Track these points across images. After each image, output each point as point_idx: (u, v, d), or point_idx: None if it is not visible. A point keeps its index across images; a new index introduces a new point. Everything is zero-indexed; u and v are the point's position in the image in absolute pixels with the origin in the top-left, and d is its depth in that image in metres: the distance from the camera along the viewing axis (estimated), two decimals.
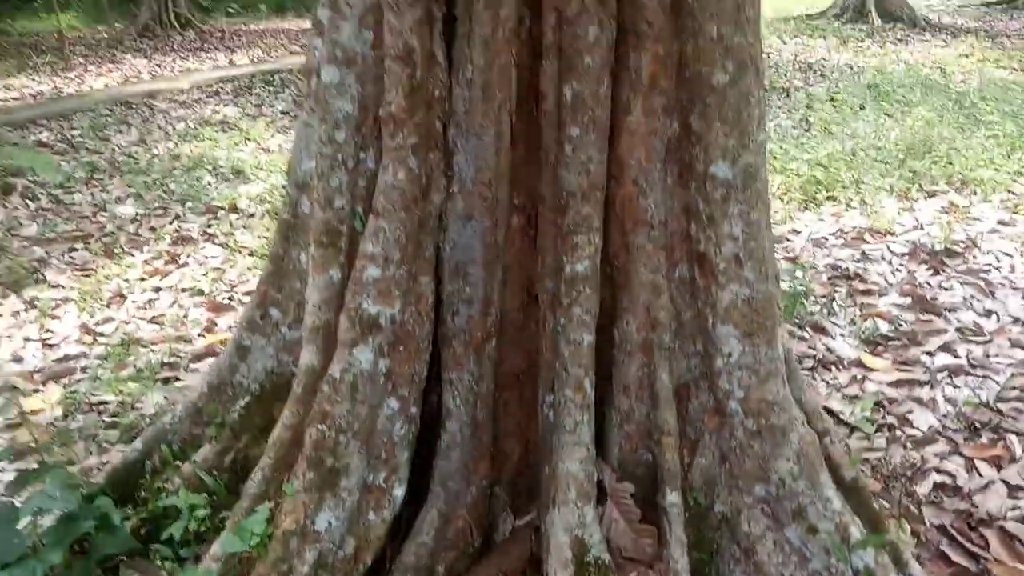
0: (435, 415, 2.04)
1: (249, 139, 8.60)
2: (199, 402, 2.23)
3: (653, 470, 1.97)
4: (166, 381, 3.68)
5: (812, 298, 4.37)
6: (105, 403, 3.52)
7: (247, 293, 4.70)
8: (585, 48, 1.76)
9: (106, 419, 3.37)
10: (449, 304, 1.95)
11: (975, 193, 6.14)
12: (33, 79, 12.59)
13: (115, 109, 10.31)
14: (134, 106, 10.53)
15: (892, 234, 5.45)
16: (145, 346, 4.08)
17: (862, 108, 8.97)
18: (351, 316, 1.81)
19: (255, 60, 14.30)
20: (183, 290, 4.77)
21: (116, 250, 5.41)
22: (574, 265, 1.88)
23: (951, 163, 6.68)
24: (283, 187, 2.18)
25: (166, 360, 3.89)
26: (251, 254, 5.27)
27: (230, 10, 22.64)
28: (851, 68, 11.77)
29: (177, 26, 17.61)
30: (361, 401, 1.82)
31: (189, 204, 6.39)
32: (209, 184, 6.97)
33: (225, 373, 2.20)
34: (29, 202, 6.49)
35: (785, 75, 11.29)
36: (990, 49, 12.86)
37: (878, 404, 3.39)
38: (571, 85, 1.81)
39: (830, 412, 3.32)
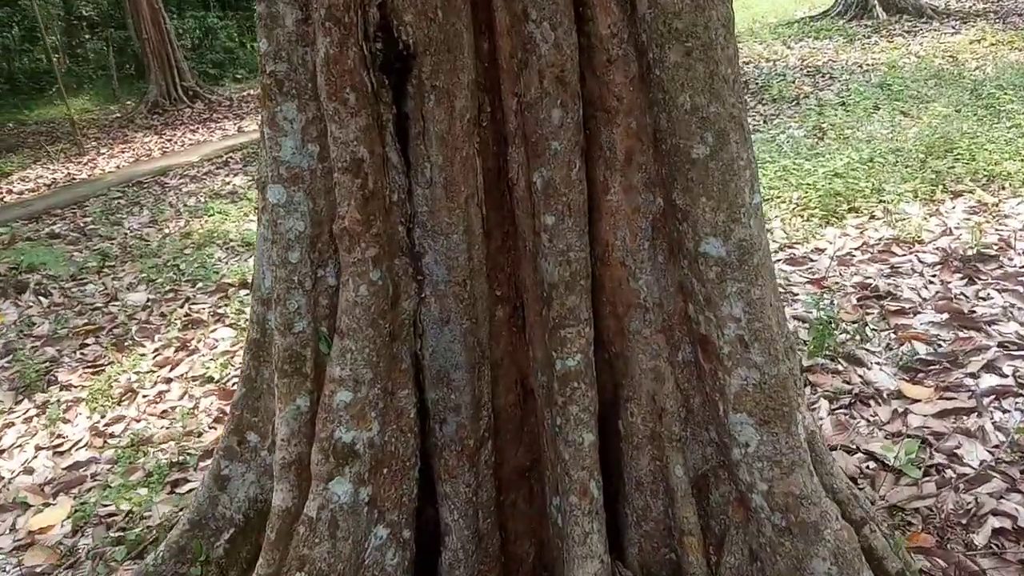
0: (432, 533, 1.88)
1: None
2: (181, 539, 2.09)
3: (678, 571, 1.78)
4: (175, 484, 3.56)
5: (843, 325, 4.16)
6: (114, 514, 3.41)
7: None
8: (550, 132, 1.62)
9: (114, 534, 3.26)
10: (435, 414, 1.80)
11: (1003, 188, 5.87)
12: (47, 168, 12.80)
13: (127, 190, 10.42)
14: (145, 185, 10.63)
15: (920, 243, 5.21)
16: (155, 446, 3.98)
17: (876, 109, 8.72)
18: (323, 447, 1.66)
19: None
20: (193, 378, 4.67)
21: (127, 342, 5.36)
22: (565, 360, 1.72)
23: (974, 159, 6.41)
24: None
25: (176, 459, 3.78)
26: None
27: (238, 76, 23.00)
28: (860, 67, 11.54)
29: (186, 99, 17.83)
30: (343, 538, 1.67)
31: (200, 284, 6.34)
32: (219, 260, 6.93)
33: (205, 506, 2.07)
34: (42, 298, 6.49)
35: (793, 82, 11.10)
36: (1002, 32, 12.54)
37: (923, 441, 3.16)
38: (540, 172, 1.66)
39: (872, 456, 3.10)
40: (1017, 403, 3.37)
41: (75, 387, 4.79)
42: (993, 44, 11.78)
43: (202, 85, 19.12)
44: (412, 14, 1.57)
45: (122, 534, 3.21)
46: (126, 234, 8.33)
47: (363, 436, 1.67)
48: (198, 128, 15.23)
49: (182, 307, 5.90)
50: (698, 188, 1.59)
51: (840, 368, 3.82)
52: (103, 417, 4.38)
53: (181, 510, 3.25)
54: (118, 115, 18.03)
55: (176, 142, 13.97)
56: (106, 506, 3.49)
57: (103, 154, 13.52)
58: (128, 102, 19.42)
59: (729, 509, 1.77)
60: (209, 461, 3.75)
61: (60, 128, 16.89)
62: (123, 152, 13.52)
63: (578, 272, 1.70)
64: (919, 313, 4.31)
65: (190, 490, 3.46)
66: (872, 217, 5.77)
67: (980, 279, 4.59)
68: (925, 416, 3.38)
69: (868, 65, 11.67)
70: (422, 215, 1.71)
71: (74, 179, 11.70)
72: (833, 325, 4.07)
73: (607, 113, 1.66)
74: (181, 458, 3.80)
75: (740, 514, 1.75)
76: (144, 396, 4.59)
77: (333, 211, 1.66)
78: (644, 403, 1.77)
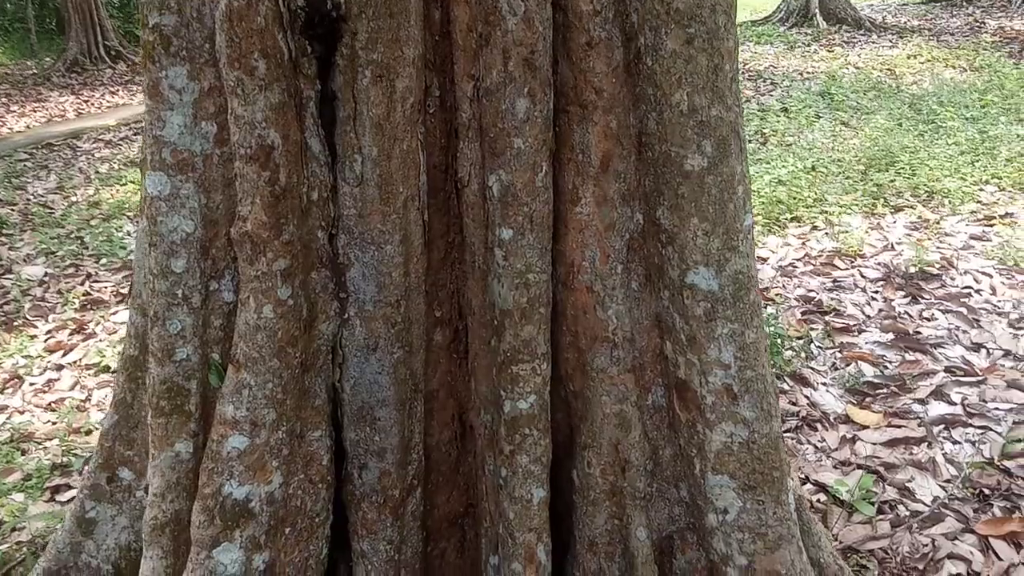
0: None
1: None
2: None
3: None
4: (56, 490, 3.16)
5: (787, 341, 4.00)
6: None
7: None
8: (512, 127, 1.32)
9: None
10: (354, 457, 1.49)
11: (943, 205, 5.89)
12: None
13: (36, 152, 9.71)
14: (56, 148, 9.94)
15: (862, 256, 5.15)
16: (39, 442, 3.54)
17: (817, 118, 8.72)
18: (208, 505, 1.32)
19: None
20: (87, 367, 4.23)
21: (17, 322, 4.85)
22: (515, 402, 1.43)
23: (915, 174, 6.42)
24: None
25: (59, 461, 3.36)
26: None
27: None
28: (800, 75, 11.61)
29: (108, 59, 16.83)
30: None
31: (104, 260, 5.84)
32: (129, 235, 6.43)
33: (66, 554, 1.70)
34: None
35: None
36: (937, 48, 12.80)
37: (874, 473, 3.01)
38: (498, 175, 1.36)
39: (823, 488, 2.93)
40: (967, 434, 3.27)
41: None
42: (929, 60, 12.00)
43: (126, 46, 18.11)
44: None
45: None
46: (29, 200, 7.70)
47: (260, 491, 1.34)
48: (119, 90, 14.41)
49: (82, 284, 5.42)
50: (689, 206, 1.31)
51: (786, 388, 3.66)
52: None
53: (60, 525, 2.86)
54: (34, 72, 16.93)
55: (93, 104, 13.17)
56: None
57: (13, 112, 12.63)
58: (46, 59, 18.28)
59: None
60: None
61: None
62: (35, 111, 12.66)
63: (537, 298, 1.41)
64: (864, 331, 4.20)
65: (73, 498, 3.06)
66: (814, 227, 5.69)
67: (923, 298, 4.52)
68: (874, 445, 3.24)
69: (808, 73, 11.75)
70: (349, 219, 1.38)
71: None
72: (780, 341, 3.91)
73: (582, 108, 1.37)
74: (65, 459, 3.39)
75: None
76: (32, 384, 4.14)
77: (232, 209, 1.32)
78: (605, 452, 1.50)
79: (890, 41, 13.88)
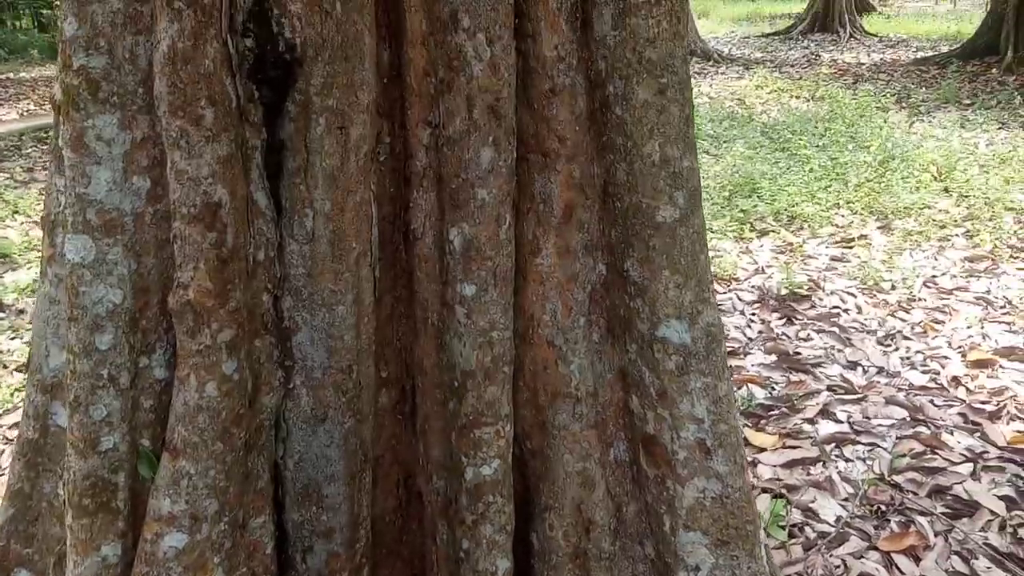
0: None
1: (17, 212, 7.33)
2: None
3: None
4: None
5: None
6: None
7: (15, 426, 3.76)
8: (477, 177, 1.24)
9: None
10: (297, 540, 1.34)
11: (803, 229, 6.24)
12: None
13: None
14: None
15: (737, 280, 5.36)
16: None
17: None
18: None
19: (24, 114, 12.63)
20: None
21: None
22: (479, 468, 1.33)
23: (775, 200, 6.78)
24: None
25: None
26: (20, 369, 4.27)
27: None
28: None
29: None
30: None
31: None
32: None
33: None
34: None
35: None
36: (780, 79, 13.66)
37: (779, 496, 3.09)
38: (460, 228, 1.27)
39: None
40: (856, 451, 3.42)
41: None
42: (775, 90, 12.79)
43: None
44: (302, 2, 1.12)
45: None
46: None
47: None
48: None
49: None
50: (661, 259, 1.27)
51: None
52: None
53: None
54: None
55: None
56: None
57: None
58: None
59: None
60: None
61: None
62: None
63: (501, 356, 1.32)
64: (749, 354, 4.34)
65: None
66: None
67: (797, 319, 4.73)
68: (775, 467, 3.33)
69: None
70: (296, 279, 1.24)
71: None
72: None
73: (544, 157, 1.30)
74: None
75: None
76: None
77: (165, 273, 1.16)
78: (567, 513, 1.42)
79: (737, 72, 14.72)
